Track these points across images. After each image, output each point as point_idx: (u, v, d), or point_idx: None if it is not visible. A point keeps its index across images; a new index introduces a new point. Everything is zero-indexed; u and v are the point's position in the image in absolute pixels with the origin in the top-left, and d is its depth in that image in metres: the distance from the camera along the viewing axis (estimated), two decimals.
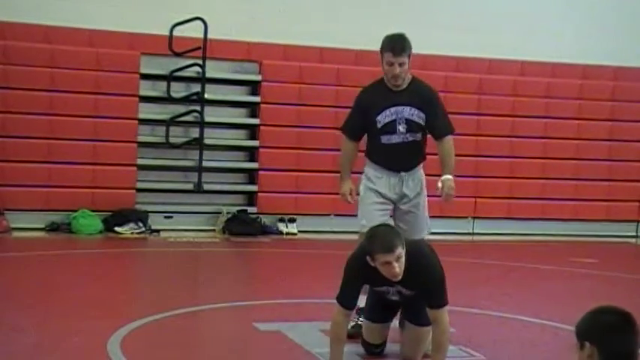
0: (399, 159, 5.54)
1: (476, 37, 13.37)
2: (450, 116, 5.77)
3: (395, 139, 5.50)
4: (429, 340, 4.99)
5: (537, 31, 13.81)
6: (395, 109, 5.50)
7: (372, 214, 5.52)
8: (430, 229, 5.65)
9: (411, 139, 5.47)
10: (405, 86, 5.57)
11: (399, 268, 4.47)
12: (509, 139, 13.44)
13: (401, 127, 5.47)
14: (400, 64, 5.51)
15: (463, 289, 6.82)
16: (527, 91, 13.74)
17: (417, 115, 5.48)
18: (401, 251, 4.46)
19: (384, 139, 5.53)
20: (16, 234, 11.00)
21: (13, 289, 7.21)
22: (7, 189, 11.29)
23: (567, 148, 13.77)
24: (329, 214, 12.53)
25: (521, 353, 5.59)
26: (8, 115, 11.39)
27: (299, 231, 12.26)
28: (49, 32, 11.82)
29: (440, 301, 4.68)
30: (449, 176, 5.49)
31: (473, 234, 12.35)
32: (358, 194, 5.74)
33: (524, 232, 12.85)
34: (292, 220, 12.31)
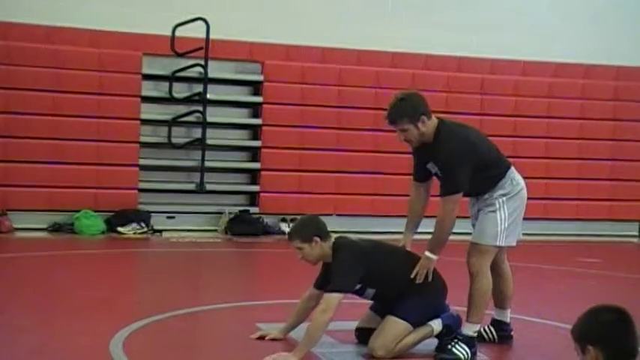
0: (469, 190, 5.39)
1: (478, 37, 13.37)
2: (456, 174, 5.15)
3: None
4: (397, 335, 5.08)
5: (539, 31, 13.81)
6: (432, 164, 5.28)
7: None
8: (495, 243, 5.30)
9: None
10: (432, 139, 5.17)
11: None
12: (511, 139, 13.42)
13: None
14: (400, 131, 5.16)
15: (467, 289, 6.82)
16: (530, 91, 13.74)
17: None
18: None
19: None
20: (19, 234, 11.01)
21: (16, 289, 7.22)
22: (10, 189, 11.31)
23: (570, 147, 13.77)
24: (331, 214, 12.52)
25: (524, 353, 5.58)
26: (11, 115, 11.41)
27: None
28: (52, 33, 11.84)
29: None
30: (427, 254, 5.13)
31: None
32: None
33: (526, 231, 12.86)
34: (294, 220, 12.27)
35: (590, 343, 2.99)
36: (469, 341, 5.22)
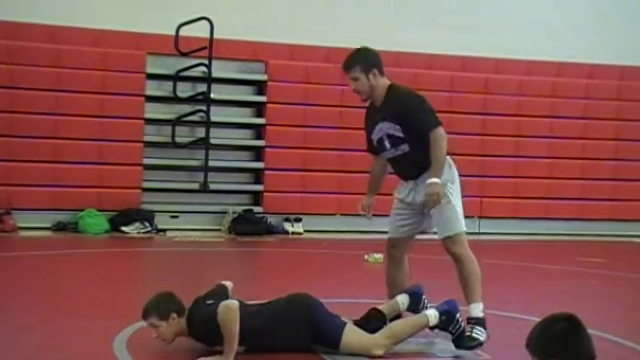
0: (400, 170, 5.53)
1: (481, 36, 13.36)
2: (431, 112, 5.35)
3: (388, 154, 5.49)
4: (363, 342, 5.04)
5: (543, 31, 13.80)
6: (379, 126, 5.43)
7: (391, 222, 5.66)
8: (462, 228, 5.38)
9: (399, 152, 5.38)
10: (382, 100, 5.43)
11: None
12: (514, 138, 13.44)
13: (387, 144, 5.42)
14: (352, 80, 5.41)
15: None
16: (533, 90, 13.73)
17: (393, 129, 5.36)
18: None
19: (383, 154, 5.54)
20: (22, 233, 11.03)
21: (20, 288, 7.23)
22: (14, 188, 11.32)
23: (573, 147, 13.75)
24: (334, 214, 12.53)
25: (526, 353, 5.58)
26: (15, 114, 11.43)
27: (305, 230, 12.26)
28: (55, 32, 11.86)
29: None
30: (433, 179, 5.23)
31: (479, 233, 12.35)
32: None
33: (529, 231, 12.86)
34: (298, 220, 12.32)
35: (552, 356, 3.01)
36: (482, 322, 5.29)
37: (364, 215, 5.74)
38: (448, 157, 5.44)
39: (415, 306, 5.50)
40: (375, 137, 5.48)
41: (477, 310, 5.30)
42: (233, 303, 4.89)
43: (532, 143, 13.50)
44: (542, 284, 8.68)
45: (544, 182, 13.24)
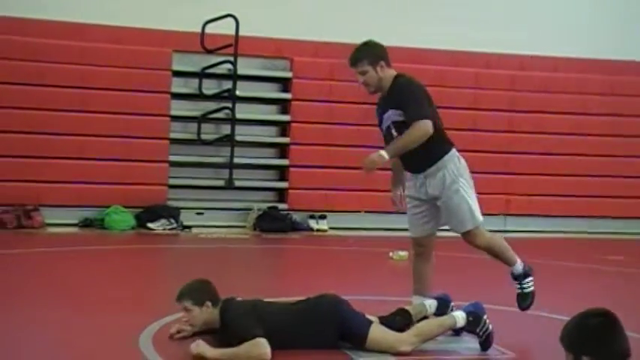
0: (409, 162, 5.50)
1: (506, 33, 13.24)
2: (424, 104, 5.35)
3: None
4: (388, 338, 5.04)
5: (569, 28, 13.69)
6: (386, 115, 5.46)
7: (411, 222, 5.68)
8: (478, 221, 5.42)
9: None
10: (387, 90, 5.48)
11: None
12: (541, 135, 13.34)
13: (393, 132, 5.41)
14: (360, 74, 5.46)
15: (493, 287, 6.80)
16: (557, 87, 13.65)
17: (397, 114, 5.37)
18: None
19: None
20: (50, 229, 11.12)
21: (46, 284, 7.30)
22: (41, 185, 11.42)
23: (599, 144, 13.61)
24: (359, 211, 12.52)
25: (552, 351, 5.55)
26: (42, 112, 11.53)
27: (329, 227, 12.26)
28: (82, 30, 11.93)
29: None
30: (380, 152, 5.24)
31: (505, 231, 12.28)
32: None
33: (555, 229, 12.76)
34: (323, 217, 12.32)
35: (584, 354, 2.99)
36: (527, 273, 5.57)
37: (397, 208, 5.79)
38: (454, 150, 5.47)
39: (442, 310, 5.49)
40: (383, 127, 5.52)
41: (517, 268, 5.56)
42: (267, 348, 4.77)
43: (558, 140, 13.40)
44: (566, 282, 8.63)
45: (570, 180, 13.12)
